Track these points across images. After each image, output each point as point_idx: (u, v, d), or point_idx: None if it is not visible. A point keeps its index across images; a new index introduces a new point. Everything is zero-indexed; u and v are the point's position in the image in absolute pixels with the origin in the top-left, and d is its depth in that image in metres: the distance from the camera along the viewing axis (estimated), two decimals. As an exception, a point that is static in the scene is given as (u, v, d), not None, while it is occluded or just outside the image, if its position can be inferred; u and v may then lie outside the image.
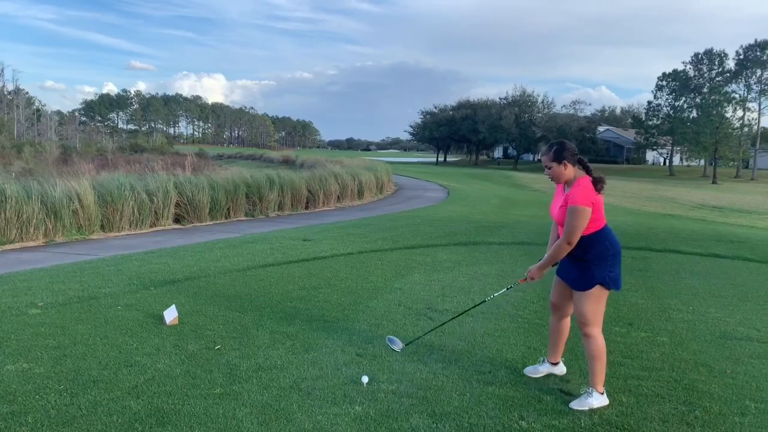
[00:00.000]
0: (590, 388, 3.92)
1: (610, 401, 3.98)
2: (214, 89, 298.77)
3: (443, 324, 5.20)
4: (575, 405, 3.86)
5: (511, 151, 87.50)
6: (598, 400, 3.88)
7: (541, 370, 4.45)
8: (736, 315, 6.29)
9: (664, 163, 77.53)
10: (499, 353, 4.91)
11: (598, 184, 3.87)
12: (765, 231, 17.65)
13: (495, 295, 5.05)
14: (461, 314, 5.39)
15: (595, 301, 3.93)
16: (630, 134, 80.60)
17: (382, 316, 5.92)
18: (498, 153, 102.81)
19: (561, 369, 4.48)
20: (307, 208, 19.73)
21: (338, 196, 21.44)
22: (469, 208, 19.91)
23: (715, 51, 67.31)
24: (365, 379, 4.20)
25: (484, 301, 5.20)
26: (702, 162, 72.61)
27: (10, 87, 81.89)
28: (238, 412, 3.70)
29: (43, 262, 8.98)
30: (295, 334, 5.24)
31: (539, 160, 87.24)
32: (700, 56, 68.08)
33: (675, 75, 69.36)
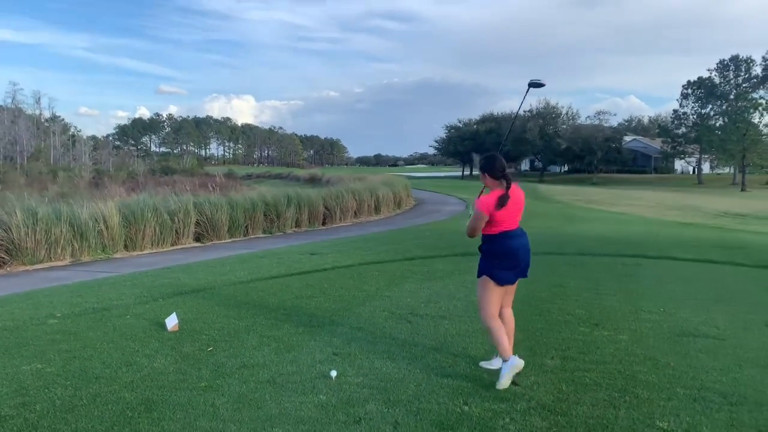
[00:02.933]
0: (499, 358, 4.68)
1: (544, 382, 4.45)
2: (243, 110, 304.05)
3: None
4: (501, 384, 4.46)
5: (537, 163, 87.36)
6: (513, 363, 4.50)
7: (495, 363, 4.91)
8: (702, 315, 6.64)
9: (693, 171, 76.64)
10: (463, 351, 5.37)
11: (500, 202, 4.47)
12: (775, 237, 17.70)
13: None
14: None
15: (483, 289, 4.63)
16: (657, 143, 79.94)
17: (366, 320, 6.43)
18: (525, 165, 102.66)
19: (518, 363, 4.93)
20: (324, 224, 20.36)
21: (355, 212, 22.04)
22: (483, 220, 20.29)
23: (741, 57, 66.66)
24: (333, 374, 4.71)
25: None
26: (731, 170, 71.64)
27: (46, 114, 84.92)
28: (216, 401, 4.24)
29: (67, 280, 9.70)
30: (281, 337, 5.78)
31: (566, 171, 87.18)
32: (726, 63, 67.46)
33: (700, 83, 68.81)
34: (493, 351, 5.26)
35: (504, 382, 4.44)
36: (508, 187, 4.54)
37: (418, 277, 8.89)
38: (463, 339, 5.74)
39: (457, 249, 11.63)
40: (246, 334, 5.89)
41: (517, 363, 4.52)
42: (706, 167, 74.44)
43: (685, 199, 42.56)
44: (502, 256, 4.59)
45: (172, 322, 6.08)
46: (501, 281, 4.62)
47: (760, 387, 4.51)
